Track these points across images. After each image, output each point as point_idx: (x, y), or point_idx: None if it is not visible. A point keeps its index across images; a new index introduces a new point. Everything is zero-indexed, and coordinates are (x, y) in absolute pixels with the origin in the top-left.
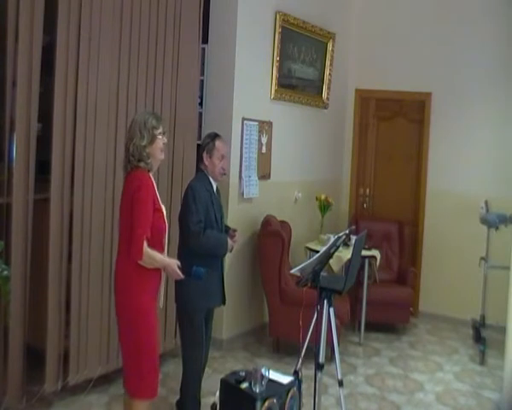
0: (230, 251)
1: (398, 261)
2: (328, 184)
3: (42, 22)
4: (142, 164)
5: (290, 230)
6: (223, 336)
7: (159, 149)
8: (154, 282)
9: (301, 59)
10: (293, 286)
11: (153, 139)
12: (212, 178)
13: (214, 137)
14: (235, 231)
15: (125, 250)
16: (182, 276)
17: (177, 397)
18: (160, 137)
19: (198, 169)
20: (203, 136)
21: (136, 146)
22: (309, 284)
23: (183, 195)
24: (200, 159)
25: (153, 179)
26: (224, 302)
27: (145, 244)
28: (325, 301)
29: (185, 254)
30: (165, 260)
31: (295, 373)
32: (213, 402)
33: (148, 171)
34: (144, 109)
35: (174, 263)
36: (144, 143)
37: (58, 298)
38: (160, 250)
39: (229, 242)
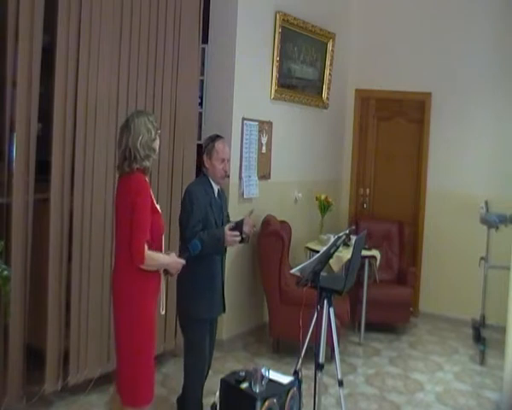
0: (245, 240)
1: (398, 261)
2: (328, 184)
3: (42, 22)
4: (146, 163)
5: (290, 230)
6: (223, 336)
7: (157, 145)
8: (155, 286)
9: (301, 59)
10: (293, 286)
11: (156, 133)
12: (214, 180)
13: (215, 138)
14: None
15: (126, 255)
16: (184, 261)
17: (179, 394)
18: (159, 132)
19: (200, 171)
20: (203, 136)
21: (145, 142)
22: (309, 284)
23: (182, 199)
24: (201, 161)
25: (147, 181)
26: (224, 310)
27: (146, 248)
28: (325, 301)
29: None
30: (166, 258)
31: (295, 373)
32: (213, 402)
33: (145, 173)
34: (138, 109)
35: (173, 256)
36: (153, 136)
37: (58, 298)
38: (159, 251)
39: (228, 232)
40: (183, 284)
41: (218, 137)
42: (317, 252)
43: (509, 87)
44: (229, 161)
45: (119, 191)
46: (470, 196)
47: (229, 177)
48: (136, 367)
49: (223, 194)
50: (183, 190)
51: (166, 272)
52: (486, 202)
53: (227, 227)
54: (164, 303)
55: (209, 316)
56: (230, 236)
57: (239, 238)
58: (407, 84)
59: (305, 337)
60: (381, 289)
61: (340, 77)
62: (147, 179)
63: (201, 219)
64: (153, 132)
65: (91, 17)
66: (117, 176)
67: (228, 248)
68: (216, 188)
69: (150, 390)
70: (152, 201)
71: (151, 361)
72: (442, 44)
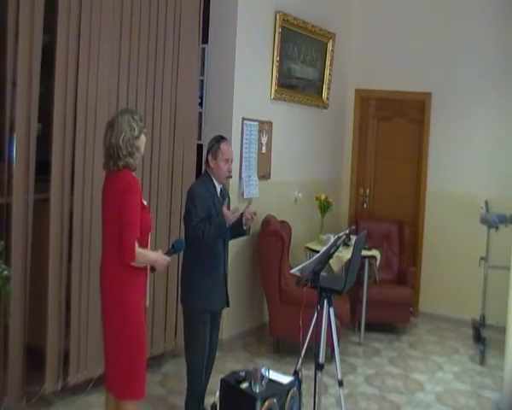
0: (246, 232)
1: (398, 261)
2: (328, 184)
3: (42, 22)
4: (129, 160)
5: (290, 230)
6: (223, 336)
7: (143, 144)
8: (142, 280)
9: (301, 59)
10: (293, 286)
11: (140, 131)
12: (217, 180)
13: (220, 139)
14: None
15: (114, 252)
16: (169, 259)
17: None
18: (145, 131)
19: (200, 171)
20: (203, 136)
21: (127, 139)
22: (309, 284)
23: (186, 199)
24: (205, 161)
25: (136, 178)
26: (227, 304)
27: (136, 245)
28: (325, 301)
29: (188, 252)
30: (154, 254)
31: (295, 373)
32: (213, 402)
33: (131, 170)
34: (124, 108)
35: (160, 253)
36: (136, 134)
37: (58, 298)
38: (146, 247)
39: (227, 211)
40: (184, 274)
41: (222, 138)
42: (317, 252)
43: (509, 87)
44: (232, 161)
45: (106, 189)
46: (470, 196)
47: (232, 177)
48: (129, 361)
49: (226, 194)
50: (184, 190)
51: (153, 268)
52: (486, 202)
53: (224, 207)
54: (148, 296)
55: (208, 308)
56: (231, 213)
57: (238, 214)
58: (407, 84)
59: (305, 337)
60: (381, 289)
61: (340, 77)
62: (134, 175)
63: (204, 217)
64: (136, 130)
65: (91, 17)
66: None
67: (229, 249)
68: (219, 187)
69: (143, 384)
70: (141, 198)
71: (143, 355)
72: (442, 44)
